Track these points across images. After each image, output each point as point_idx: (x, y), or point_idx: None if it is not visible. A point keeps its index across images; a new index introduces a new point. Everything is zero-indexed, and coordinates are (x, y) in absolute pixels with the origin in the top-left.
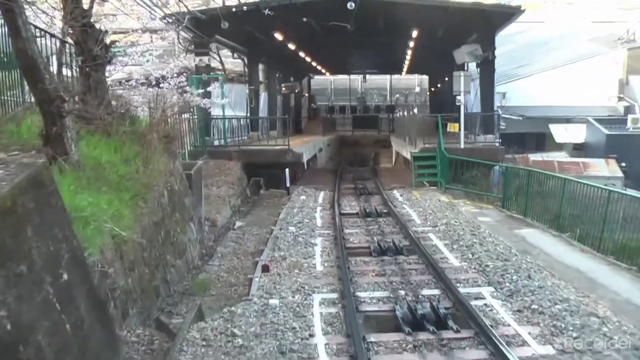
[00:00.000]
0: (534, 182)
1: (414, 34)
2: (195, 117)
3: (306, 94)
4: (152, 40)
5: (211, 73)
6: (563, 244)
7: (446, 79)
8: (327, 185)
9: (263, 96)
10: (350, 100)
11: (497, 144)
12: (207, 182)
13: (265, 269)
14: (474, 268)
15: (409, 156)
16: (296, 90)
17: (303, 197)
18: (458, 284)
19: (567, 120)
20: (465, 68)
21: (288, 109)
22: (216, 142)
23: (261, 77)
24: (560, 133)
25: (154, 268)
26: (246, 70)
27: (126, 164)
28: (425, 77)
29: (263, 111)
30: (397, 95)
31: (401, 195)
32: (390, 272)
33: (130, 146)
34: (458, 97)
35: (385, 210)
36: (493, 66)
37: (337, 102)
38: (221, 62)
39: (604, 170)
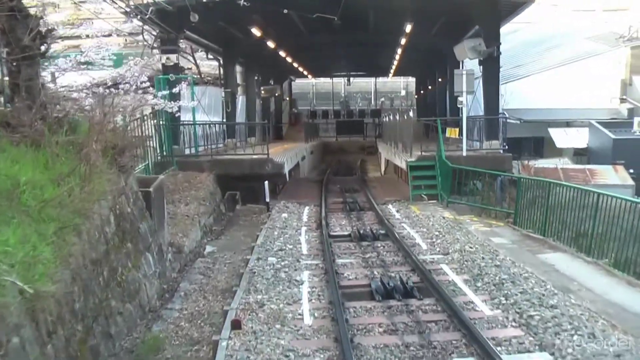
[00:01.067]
0: (551, 194)
1: (408, 28)
2: (163, 122)
3: (287, 98)
4: (126, 42)
5: (180, 73)
6: (602, 274)
7: (439, 79)
8: (312, 198)
9: (241, 100)
10: (333, 104)
11: (502, 151)
12: (173, 198)
13: (236, 325)
14: (513, 320)
15: (402, 165)
16: (276, 94)
17: (285, 215)
18: (499, 347)
19: (567, 124)
20: (461, 66)
21: (268, 114)
22: (187, 151)
23: (239, 80)
24: (561, 137)
25: (91, 321)
26: (222, 71)
27: (56, 185)
28: (412, 80)
29: (241, 116)
30: (382, 99)
31: (398, 211)
32: (402, 326)
33: (66, 161)
34: (459, 99)
35: (382, 232)
36: (498, 63)
37: (319, 107)
38: (196, 64)
39: (613, 177)
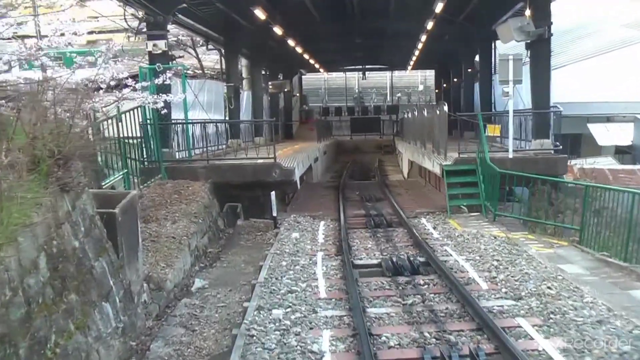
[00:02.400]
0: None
1: (439, 7)
2: (149, 121)
3: (297, 94)
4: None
5: (171, 63)
6: None
7: (468, 70)
8: (327, 210)
9: (246, 96)
10: (346, 100)
11: (553, 152)
12: (158, 214)
13: None
14: None
15: (435, 169)
16: (285, 90)
17: (296, 235)
18: None
19: (608, 119)
20: (493, 53)
21: (276, 111)
22: (181, 155)
23: (244, 74)
24: (602, 134)
25: None
26: (223, 63)
27: None
28: (431, 74)
29: (246, 114)
30: (399, 95)
31: (435, 228)
32: None
33: None
34: (505, 89)
35: (422, 259)
36: (549, 47)
37: (332, 103)
38: (197, 57)
39: None
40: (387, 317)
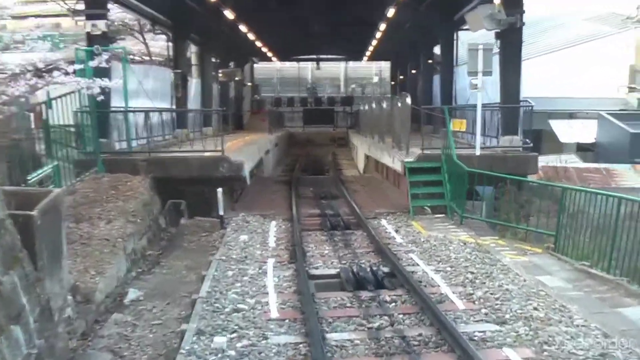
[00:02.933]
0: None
1: None
2: (86, 108)
3: (249, 83)
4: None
5: (111, 45)
6: None
7: (428, 61)
8: (279, 208)
9: (194, 84)
10: (299, 91)
11: (522, 149)
12: (92, 212)
13: None
14: None
15: (396, 166)
16: (236, 78)
17: (244, 237)
18: None
19: (570, 115)
20: (455, 43)
21: (227, 101)
22: (121, 146)
23: (193, 61)
24: (564, 131)
25: None
26: (171, 49)
27: None
28: (386, 65)
29: (195, 103)
30: (353, 86)
31: (397, 231)
32: None
33: None
34: (473, 81)
35: (386, 269)
36: (520, 37)
37: (284, 94)
38: (145, 42)
39: (634, 179)
40: (351, 345)
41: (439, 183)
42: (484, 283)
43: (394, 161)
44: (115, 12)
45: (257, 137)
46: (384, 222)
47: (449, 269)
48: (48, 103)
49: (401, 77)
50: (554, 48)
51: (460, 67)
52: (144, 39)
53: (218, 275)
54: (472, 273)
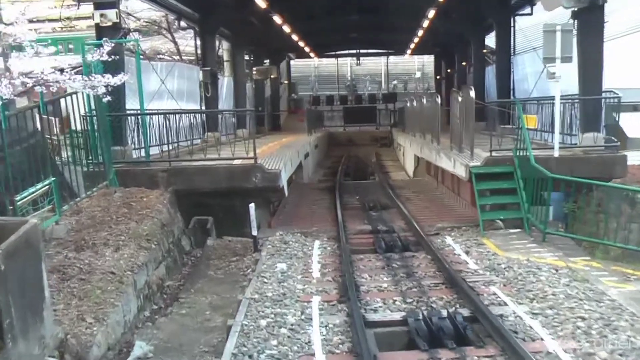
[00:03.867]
0: None
1: None
2: (94, 111)
3: (285, 82)
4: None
5: (124, 37)
6: None
7: (483, 50)
8: (322, 223)
9: (226, 82)
10: (338, 88)
11: (604, 148)
12: (96, 238)
13: None
14: None
15: (459, 171)
16: (272, 76)
17: (282, 266)
18: None
19: (635, 108)
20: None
21: (262, 100)
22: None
23: (225, 57)
24: (633, 124)
25: None
26: (198, 45)
27: None
28: (429, 59)
29: (227, 103)
30: (395, 82)
31: (468, 253)
32: None
33: None
34: (550, 69)
35: (466, 312)
36: (602, 16)
37: (322, 92)
38: (174, 40)
39: None
40: None
41: (513, 191)
42: (605, 336)
43: (455, 165)
44: (142, 9)
45: (295, 138)
46: (449, 240)
47: (548, 311)
48: (41, 107)
49: (448, 70)
50: (619, 33)
51: (519, 56)
52: (173, 37)
53: (248, 326)
54: (582, 318)
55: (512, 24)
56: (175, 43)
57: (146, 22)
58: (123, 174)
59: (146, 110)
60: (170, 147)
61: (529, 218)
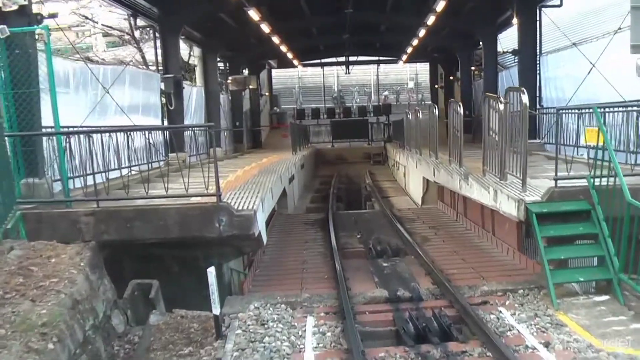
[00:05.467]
0: None
1: None
2: None
3: (266, 94)
4: None
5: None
6: None
7: (503, 52)
8: (316, 283)
9: (195, 93)
10: (324, 100)
11: None
12: None
13: None
14: None
15: (505, 207)
16: (251, 87)
17: None
18: None
19: None
20: (538, 25)
21: (240, 115)
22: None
23: (196, 64)
24: None
25: None
26: (158, 46)
27: None
28: (423, 67)
29: (197, 117)
30: (386, 93)
31: (547, 344)
32: None
33: None
34: None
35: None
36: None
37: (307, 104)
38: (139, 47)
39: None
40: None
41: (591, 238)
42: None
43: (497, 199)
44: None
45: (278, 158)
46: (506, 315)
47: None
48: None
49: (451, 77)
50: None
51: (551, 56)
52: (136, 40)
53: None
54: None
55: (537, 17)
56: (140, 49)
57: (104, 25)
58: (34, 219)
59: (81, 127)
60: (104, 179)
61: (621, 279)
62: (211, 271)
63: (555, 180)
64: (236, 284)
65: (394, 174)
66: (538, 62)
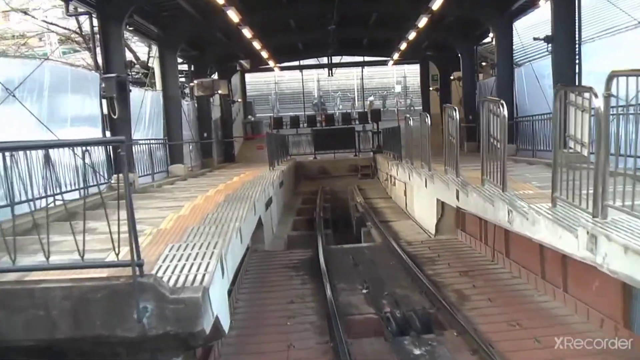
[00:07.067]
0: None
1: None
2: None
3: (239, 100)
4: None
5: None
6: None
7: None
8: None
9: (150, 98)
10: (304, 107)
11: None
12: None
13: None
14: None
15: (608, 261)
16: (219, 92)
17: None
18: None
19: None
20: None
21: (208, 124)
22: None
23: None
24: None
25: None
26: (97, 38)
27: None
28: (412, 69)
29: (153, 127)
30: (371, 98)
31: None
32: None
33: None
34: None
35: None
36: None
37: (285, 112)
38: (89, 47)
39: None
40: None
41: None
42: None
43: (601, 252)
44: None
45: (252, 175)
46: None
47: None
48: None
49: (451, 77)
50: None
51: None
52: (85, 39)
53: None
54: None
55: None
56: (90, 49)
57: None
58: None
59: None
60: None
61: None
62: None
63: None
64: None
65: (387, 190)
66: (577, 52)
